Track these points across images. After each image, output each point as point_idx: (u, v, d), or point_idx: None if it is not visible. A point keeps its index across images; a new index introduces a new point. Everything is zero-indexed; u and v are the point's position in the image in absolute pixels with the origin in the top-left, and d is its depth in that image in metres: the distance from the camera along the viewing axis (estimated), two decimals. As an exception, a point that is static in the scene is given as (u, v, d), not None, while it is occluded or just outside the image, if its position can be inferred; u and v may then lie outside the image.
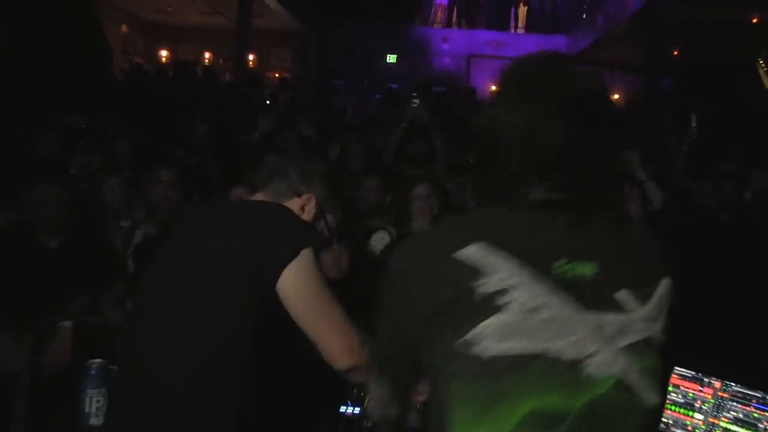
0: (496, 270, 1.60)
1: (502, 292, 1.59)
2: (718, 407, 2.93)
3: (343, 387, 2.89)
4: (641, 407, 1.61)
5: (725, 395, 2.93)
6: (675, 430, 2.97)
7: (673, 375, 3.06)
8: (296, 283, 2.26)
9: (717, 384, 2.96)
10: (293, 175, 2.59)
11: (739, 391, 2.91)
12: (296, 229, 2.36)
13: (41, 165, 6.26)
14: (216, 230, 2.36)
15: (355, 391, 2.89)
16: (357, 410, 2.86)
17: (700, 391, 2.98)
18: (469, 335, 1.58)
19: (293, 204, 2.55)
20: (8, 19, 13.66)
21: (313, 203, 2.57)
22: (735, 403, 2.90)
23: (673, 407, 3.01)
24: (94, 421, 2.87)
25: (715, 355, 3.68)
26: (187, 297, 2.28)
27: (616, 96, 17.32)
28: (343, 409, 2.87)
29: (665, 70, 14.10)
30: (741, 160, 8.13)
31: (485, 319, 1.58)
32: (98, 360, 2.92)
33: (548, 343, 1.58)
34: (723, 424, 2.89)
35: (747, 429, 2.83)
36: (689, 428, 2.95)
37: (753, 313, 4.53)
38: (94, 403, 2.87)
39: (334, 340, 2.29)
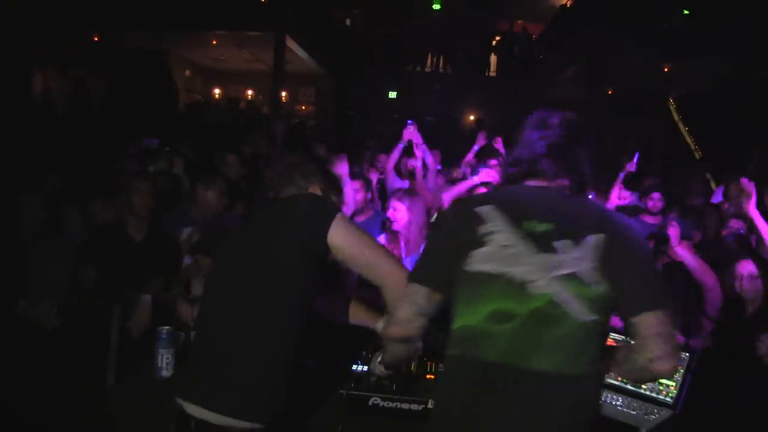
0: (492, 220, 2.05)
1: (491, 233, 2.03)
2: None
3: (354, 351, 2.99)
4: (569, 320, 1.95)
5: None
6: (608, 379, 3.05)
7: (608, 339, 3.19)
8: (342, 234, 2.34)
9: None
10: (297, 178, 2.66)
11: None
12: (328, 203, 2.49)
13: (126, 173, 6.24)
14: (275, 215, 2.42)
15: (364, 353, 2.95)
16: (365, 368, 2.89)
17: (627, 350, 3.13)
18: (470, 256, 2.03)
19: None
20: (106, 71, 13.89)
21: (318, 193, 2.64)
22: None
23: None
24: (164, 374, 2.98)
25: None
26: (259, 258, 2.34)
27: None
28: (354, 367, 2.91)
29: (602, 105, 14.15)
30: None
31: (478, 248, 2.02)
32: (167, 327, 3.04)
33: (509, 268, 1.99)
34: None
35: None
36: (618, 377, 3.10)
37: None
38: (164, 360, 2.97)
39: (384, 263, 2.34)
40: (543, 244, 1.99)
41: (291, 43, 14.70)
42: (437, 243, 2.23)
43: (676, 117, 13.99)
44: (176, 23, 13.38)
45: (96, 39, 13.94)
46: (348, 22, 19.81)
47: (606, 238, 1.99)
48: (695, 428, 2.85)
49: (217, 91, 18.37)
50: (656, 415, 2.83)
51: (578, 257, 1.97)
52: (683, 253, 4.13)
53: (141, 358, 3.06)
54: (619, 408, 2.90)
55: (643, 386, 3.00)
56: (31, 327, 3.68)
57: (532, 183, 2.19)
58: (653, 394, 2.97)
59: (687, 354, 2.99)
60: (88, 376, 3.04)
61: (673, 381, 2.95)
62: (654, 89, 14.24)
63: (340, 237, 2.33)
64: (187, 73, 17.74)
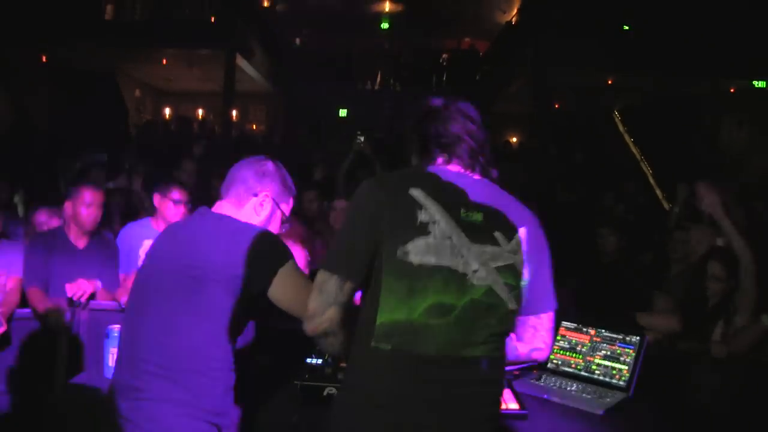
0: (428, 207, 1.96)
1: (431, 222, 1.94)
2: (593, 348, 3.10)
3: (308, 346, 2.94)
4: (503, 307, 1.97)
5: (598, 339, 3.10)
6: (563, 368, 3.14)
7: (561, 327, 3.22)
8: (283, 289, 2.29)
9: (592, 331, 3.14)
10: (249, 178, 2.54)
11: (607, 336, 3.09)
12: (276, 249, 2.35)
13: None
14: (205, 243, 2.33)
15: (318, 347, 2.87)
16: (319, 361, 2.89)
17: (580, 337, 3.15)
18: (407, 245, 1.92)
19: (253, 203, 2.51)
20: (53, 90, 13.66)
21: (269, 199, 2.51)
22: (605, 344, 3.08)
23: (560, 351, 3.17)
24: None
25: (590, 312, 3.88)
26: (182, 297, 2.24)
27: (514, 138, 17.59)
28: (309, 360, 2.89)
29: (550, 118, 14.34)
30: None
31: (417, 237, 1.93)
32: (117, 325, 2.96)
33: (450, 261, 1.93)
34: (597, 360, 3.06)
35: (613, 361, 3.01)
36: (573, 365, 3.12)
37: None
38: (114, 357, 2.88)
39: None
40: (480, 234, 1.97)
41: (241, 62, 14.64)
42: (356, 225, 2.04)
43: (621, 128, 14.22)
44: (126, 41, 13.22)
45: (44, 59, 13.67)
46: (298, 41, 19.82)
47: (528, 231, 2.04)
48: (646, 409, 2.87)
49: (167, 110, 18.16)
50: (610, 398, 2.84)
51: (511, 250, 2.00)
52: None
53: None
54: (574, 393, 2.91)
55: (597, 372, 3.03)
56: None
57: (452, 168, 2.11)
58: (606, 379, 3.00)
59: (638, 338, 3.02)
60: (37, 377, 2.97)
61: (626, 365, 2.97)
62: (599, 103, 14.46)
63: (280, 291, 2.29)
64: (137, 93, 17.54)
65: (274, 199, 2.54)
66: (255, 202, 2.51)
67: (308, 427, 2.56)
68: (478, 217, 1.99)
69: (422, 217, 1.94)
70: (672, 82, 12.49)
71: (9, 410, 2.93)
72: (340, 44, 19.34)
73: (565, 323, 3.23)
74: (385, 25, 19.22)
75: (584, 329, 3.18)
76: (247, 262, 2.23)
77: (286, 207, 2.61)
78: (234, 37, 13.81)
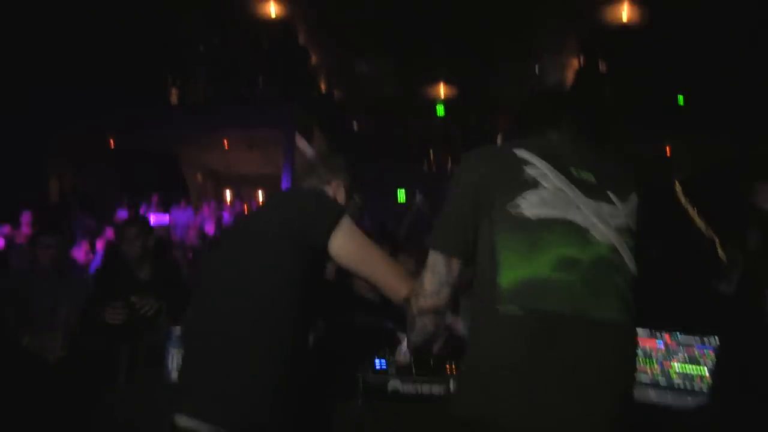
0: (536, 164, 1.88)
1: (540, 177, 1.87)
2: (669, 353, 2.93)
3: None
4: (627, 269, 1.85)
5: (673, 344, 2.93)
6: (639, 377, 2.95)
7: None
8: (345, 241, 2.18)
9: (666, 336, 2.97)
10: (321, 170, 2.54)
11: (683, 339, 2.92)
12: (332, 204, 2.30)
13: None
14: (271, 210, 2.30)
15: (382, 352, 2.83)
16: (383, 363, 2.78)
17: (653, 344, 2.99)
18: (517, 200, 1.84)
19: (326, 190, 2.51)
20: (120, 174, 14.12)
21: (342, 189, 2.51)
22: (681, 347, 2.90)
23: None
24: (175, 374, 2.88)
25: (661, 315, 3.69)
26: (248, 259, 2.19)
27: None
28: (377, 364, 2.79)
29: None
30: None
31: (527, 191, 1.85)
32: (178, 327, 2.97)
33: (566, 214, 1.83)
34: (675, 364, 2.89)
35: (693, 364, 2.83)
36: (650, 374, 2.94)
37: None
38: (175, 360, 2.89)
39: (389, 275, 2.18)
40: (595, 192, 1.89)
41: (301, 142, 14.89)
42: (457, 198, 1.97)
43: (683, 201, 13.96)
44: (188, 124, 13.60)
45: (111, 141, 14.14)
46: (355, 125, 20.16)
47: (639, 201, 1.95)
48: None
49: (228, 192, 18.49)
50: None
51: (628, 212, 1.91)
52: None
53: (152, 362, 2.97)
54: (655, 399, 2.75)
55: (676, 379, 2.86)
56: (34, 358, 3.60)
57: (553, 135, 2.05)
58: (687, 385, 2.82)
59: (716, 337, 2.85)
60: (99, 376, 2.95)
61: (707, 368, 2.80)
62: (657, 174, 14.27)
63: (342, 243, 2.19)
64: (199, 178, 17.92)
65: (347, 189, 2.53)
66: (328, 190, 2.50)
67: (372, 422, 2.46)
68: (589, 176, 1.92)
69: (530, 171, 1.88)
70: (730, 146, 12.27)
71: (69, 409, 2.88)
72: (397, 128, 19.60)
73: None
74: (440, 112, 19.42)
75: (657, 334, 3.01)
76: (302, 214, 2.18)
77: (360, 198, 2.59)
78: (293, 118, 14.09)
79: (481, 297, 1.86)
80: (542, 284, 1.77)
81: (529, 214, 1.82)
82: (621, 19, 13.36)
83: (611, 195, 1.90)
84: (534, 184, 1.85)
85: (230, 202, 17.92)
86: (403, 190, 18.70)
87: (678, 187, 14.34)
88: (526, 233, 1.81)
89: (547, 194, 1.84)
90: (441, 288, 1.93)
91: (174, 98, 13.27)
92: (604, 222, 1.84)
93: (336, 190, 2.51)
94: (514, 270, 1.80)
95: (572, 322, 1.75)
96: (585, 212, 1.84)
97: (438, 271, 1.93)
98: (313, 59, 15.90)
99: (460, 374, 1.96)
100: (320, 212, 2.20)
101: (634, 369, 1.88)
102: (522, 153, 1.91)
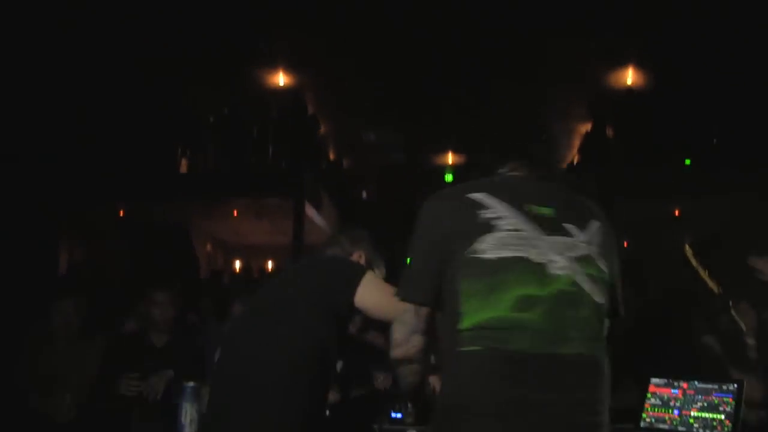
0: (492, 205, 1.93)
1: (496, 219, 1.91)
2: (687, 401, 2.90)
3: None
4: (589, 301, 1.88)
5: (691, 392, 2.91)
6: (658, 425, 2.92)
7: (650, 385, 3.04)
8: (369, 291, 2.31)
9: (684, 384, 2.95)
10: (344, 242, 2.66)
11: (701, 387, 2.90)
12: (356, 264, 2.49)
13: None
14: (298, 273, 2.39)
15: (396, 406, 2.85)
16: (399, 415, 2.82)
17: (672, 392, 2.96)
18: (475, 245, 1.89)
19: None
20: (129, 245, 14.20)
21: (363, 259, 2.62)
22: (700, 395, 2.88)
23: (652, 409, 2.97)
24: (187, 430, 2.86)
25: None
26: (275, 320, 2.28)
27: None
28: (393, 414, 2.82)
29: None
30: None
31: (484, 235, 1.89)
32: (192, 382, 2.96)
33: (523, 252, 1.87)
34: (694, 413, 2.85)
35: (712, 412, 2.80)
36: (668, 422, 2.91)
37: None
38: (188, 416, 2.85)
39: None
40: (552, 226, 1.94)
41: (310, 211, 14.97)
42: (418, 246, 2.05)
43: (694, 263, 13.91)
44: (198, 193, 13.72)
45: (121, 213, 14.24)
46: (364, 194, 20.30)
47: (601, 226, 2.02)
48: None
49: (237, 263, 18.53)
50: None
51: (586, 240, 1.95)
52: None
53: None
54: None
55: (695, 425, 2.82)
56: (43, 419, 3.61)
57: (518, 173, 2.15)
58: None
59: (735, 385, 2.82)
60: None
61: (726, 415, 2.77)
62: (667, 236, 14.24)
63: (365, 293, 2.30)
64: (209, 247, 17.99)
65: (368, 260, 2.66)
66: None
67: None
68: (547, 210, 1.97)
69: (486, 215, 1.92)
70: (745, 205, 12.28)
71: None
72: (406, 196, 19.73)
73: (654, 380, 3.06)
74: (449, 178, 19.60)
75: (675, 383, 2.99)
76: (329, 279, 2.26)
77: (380, 271, 2.67)
78: (303, 186, 14.20)
79: (447, 342, 1.91)
80: (502, 325, 1.81)
81: (487, 258, 1.87)
82: (626, 83, 13.57)
83: (569, 227, 1.95)
84: (490, 228, 1.90)
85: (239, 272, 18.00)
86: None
87: (689, 250, 14.28)
88: (486, 277, 1.85)
89: (503, 235, 1.88)
90: (410, 337, 1.96)
91: (183, 168, 13.39)
92: (562, 256, 1.88)
93: (358, 261, 2.63)
94: (475, 314, 1.84)
95: (534, 360, 1.78)
96: (543, 248, 1.88)
97: (406, 321, 1.97)
98: (322, 128, 16.09)
99: (432, 419, 1.95)
100: (345, 270, 2.36)
101: (599, 400, 1.85)
102: (477, 196, 1.96)
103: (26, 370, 4.14)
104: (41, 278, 11.27)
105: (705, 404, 2.84)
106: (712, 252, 13.18)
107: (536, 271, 1.85)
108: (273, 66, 13.92)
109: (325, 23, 11.71)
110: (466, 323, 1.85)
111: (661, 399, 2.98)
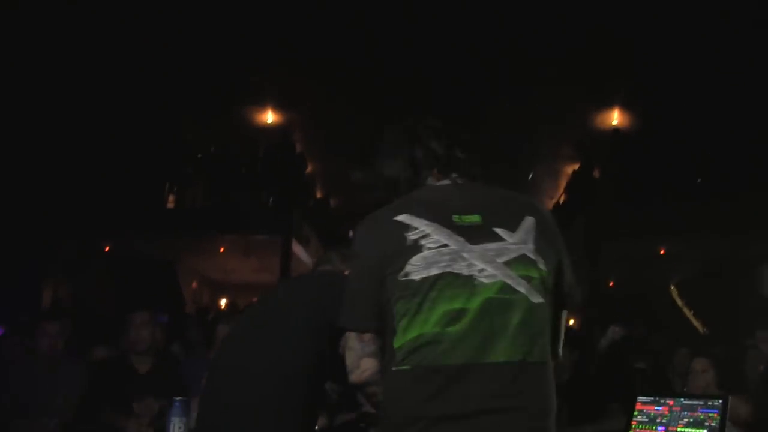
0: (417, 226, 1.96)
1: (422, 238, 1.93)
2: (674, 418, 2.92)
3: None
4: (524, 304, 1.89)
5: (677, 408, 2.93)
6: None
7: (637, 403, 3.05)
8: None
9: (670, 402, 2.96)
10: (335, 259, 2.67)
11: (687, 403, 2.92)
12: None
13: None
14: (289, 291, 2.40)
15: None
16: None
17: (658, 409, 2.98)
18: (405, 268, 1.91)
19: None
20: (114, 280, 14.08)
21: None
22: (686, 412, 2.90)
23: (639, 426, 2.98)
24: None
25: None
26: (266, 337, 2.29)
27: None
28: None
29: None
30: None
31: (412, 257, 1.91)
32: (181, 397, 2.95)
33: (451, 268, 1.89)
34: (680, 429, 2.87)
35: (697, 428, 2.82)
36: (656, 442, 2.92)
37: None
38: (176, 429, 2.84)
39: None
40: (479, 234, 1.96)
41: (297, 249, 14.97)
42: (353, 275, 2.11)
43: (679, 303, 13.99)
44: (185, 229, 13.69)
45: (107, 249, 14.18)
46: (351, 233, 20.30)
47: (536, 221, 2.02)
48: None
49: (223, 300, 18.44)
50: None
51: (519, 240, 1.96)
52: None
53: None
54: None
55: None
56: None
57: (442, 182, 2.17)
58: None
59: (720, 401, 2.85)
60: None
61: (712, 430, 2.79)
62: (653, 276, 14.32)
63: None
64: (195, 285, 17.90)
65: None
66: None
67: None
68: (474, 218, 1.99)
69: (412, 236, 1.95)
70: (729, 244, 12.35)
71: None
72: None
73: (640, 398, 3.08)
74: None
75: (661, 400, 3.01)
76: (320, 295, 2.28)
77: None
78: (291, 224, 14.22)
79: (385, 362, 1.95)
80: (430, 341, 1.84)
81: (415, 278, 1.89)
82: (611, 124, 13.75)
83: (499, 231, 1.96)
84: (417, 248, 1.92)
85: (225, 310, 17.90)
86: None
87: (674, 291, 14.31)
88: (415, 297, 1.88)
89: (430, 254, 1.90)
90: (359, 362, 1.99)
91: (171, 204, 13.39)
92: (491, 263, 1.90)
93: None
94: (404, 333, 1.88)
95: (463, 371, 1.81)
96: (470, 260, 1.90)
97: (353, 347, 2.00)
98: (310, 167, 16.17)
99: None
100: (336, 287, 2.27)
101: (537, 405, 1.87)
102: (402, 218, 1.98)
103: (8, 394, 4.10)
104: (24, 313, 11.15)
105: (691, 420, 2.86)
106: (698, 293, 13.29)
107: (464, 284, 1.88)
108: (262, 104, 14.06)
109: (314, 63, 11.84)
110: (397, 343, 1.89)
111: (648, 416, 2.99)
